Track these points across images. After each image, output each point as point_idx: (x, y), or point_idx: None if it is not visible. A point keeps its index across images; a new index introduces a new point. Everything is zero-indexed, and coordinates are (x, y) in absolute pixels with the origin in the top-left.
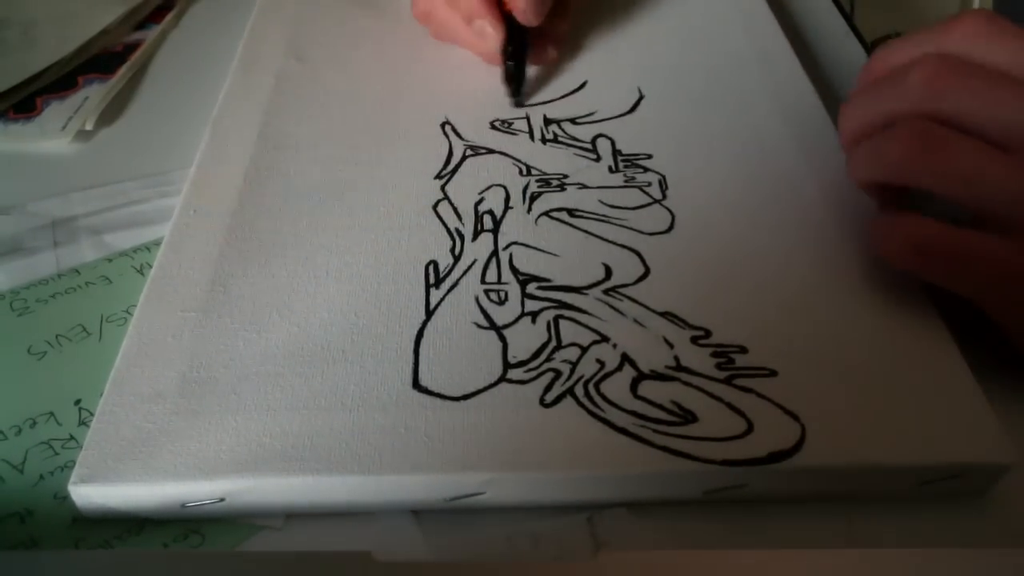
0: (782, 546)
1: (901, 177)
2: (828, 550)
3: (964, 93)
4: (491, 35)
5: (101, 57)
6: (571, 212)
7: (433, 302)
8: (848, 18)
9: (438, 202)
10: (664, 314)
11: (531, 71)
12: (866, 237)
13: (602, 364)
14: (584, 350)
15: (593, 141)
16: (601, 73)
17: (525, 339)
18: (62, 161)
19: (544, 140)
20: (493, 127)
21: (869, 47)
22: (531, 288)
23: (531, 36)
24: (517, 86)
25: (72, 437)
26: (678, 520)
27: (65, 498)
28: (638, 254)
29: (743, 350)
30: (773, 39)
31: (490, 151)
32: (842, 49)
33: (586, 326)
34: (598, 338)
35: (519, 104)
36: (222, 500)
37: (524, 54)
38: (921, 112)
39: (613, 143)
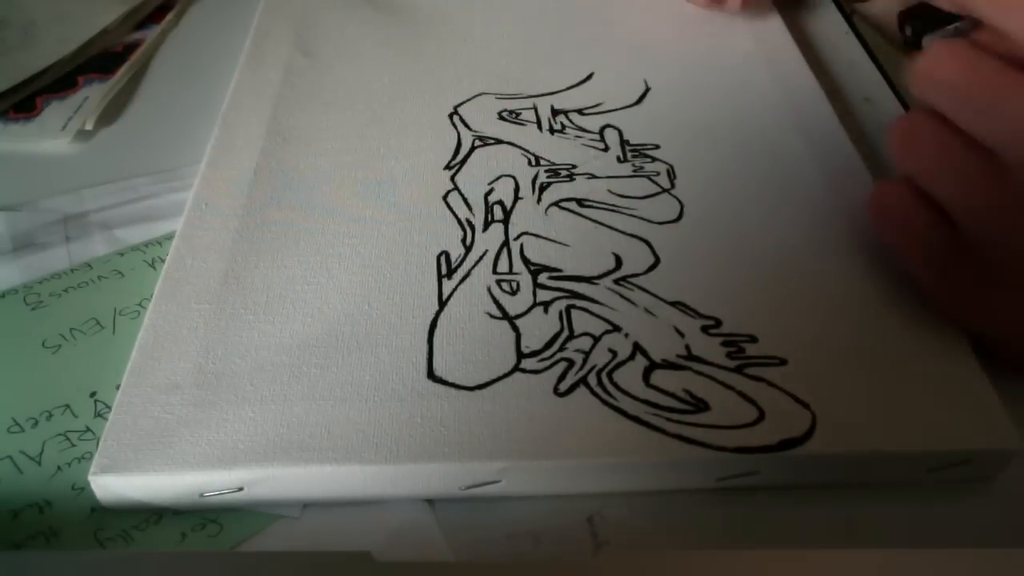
0: (783, 546)
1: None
2: (828, 550)
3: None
4: None
5: (101, 57)
6: (580, 202)
7: (446, 292)
8: (848, 17)
9: (448, 193)
10: (674, 304)
11: None
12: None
13: (614, 353)
14: (596, 339)
15: (601, 131)
16: (607, 65)
17: (538, 329)
18: (63, 161)
19: (552, 130)
20: (501, 117)
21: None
22: (542, 278)
23: None
24: None
25: (88, 429)
26: (678, 519)
27: (83, 489)
28: (648, 243)
29: (753, 339)
30: (777, 33)
31: (499, 141)
32: (841, 48)
33: (598, 316)
34: (610, 328)
35: None
36: (240, 489)
37: None
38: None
39: (621, 133)
